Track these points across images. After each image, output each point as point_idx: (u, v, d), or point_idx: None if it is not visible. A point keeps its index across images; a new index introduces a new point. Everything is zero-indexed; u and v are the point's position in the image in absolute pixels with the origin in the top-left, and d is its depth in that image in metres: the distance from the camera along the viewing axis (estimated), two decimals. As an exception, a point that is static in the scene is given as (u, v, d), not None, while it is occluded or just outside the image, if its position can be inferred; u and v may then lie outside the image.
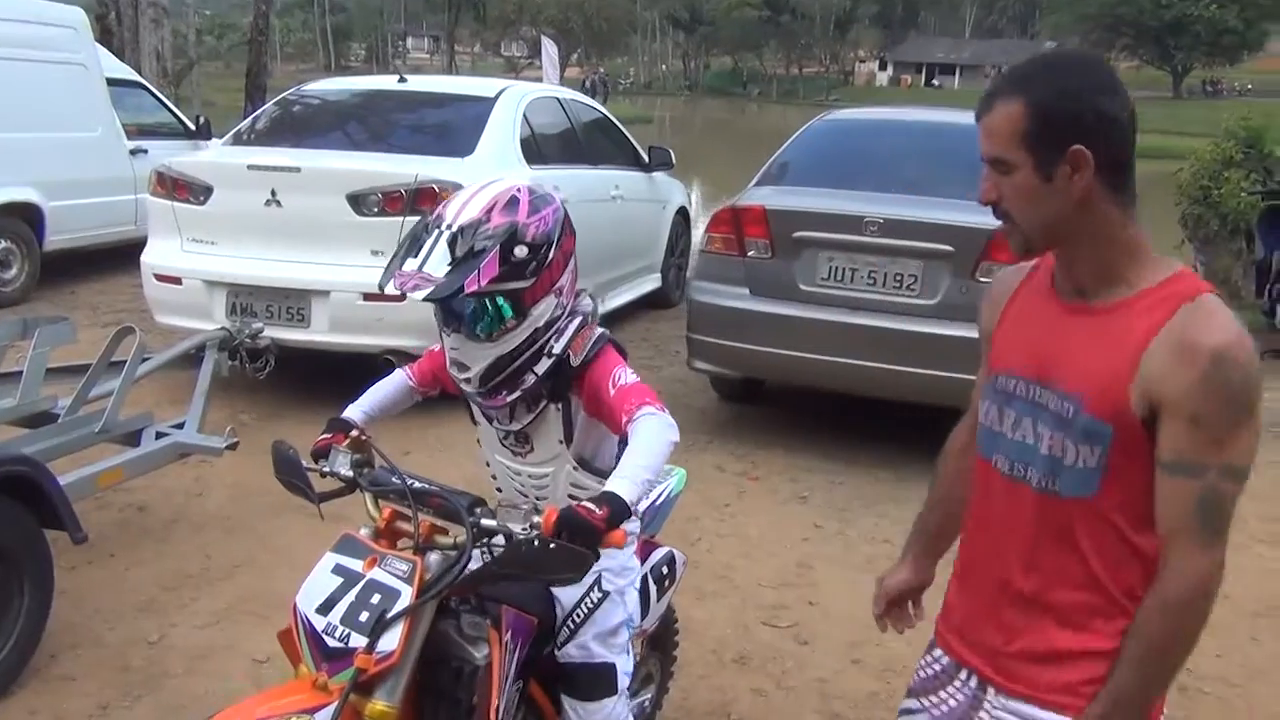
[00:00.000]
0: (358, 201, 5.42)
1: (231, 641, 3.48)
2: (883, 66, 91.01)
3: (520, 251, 1.96)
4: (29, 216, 8.03)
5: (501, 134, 6.17)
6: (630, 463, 1.90)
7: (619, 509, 1.79)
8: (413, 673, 1.89)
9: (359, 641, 1.79)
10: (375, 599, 1.83)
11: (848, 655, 3.62)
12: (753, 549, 4.40)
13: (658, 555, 2.61)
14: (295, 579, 1.98)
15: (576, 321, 2.13)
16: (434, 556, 1.90)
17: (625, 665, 2.33)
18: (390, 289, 1.94)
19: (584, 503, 1.79)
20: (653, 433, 1.94)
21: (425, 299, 1.91)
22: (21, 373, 4.04)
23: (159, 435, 4.06)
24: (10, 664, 3.10)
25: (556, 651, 2.30)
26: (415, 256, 1.94)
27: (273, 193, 5.51)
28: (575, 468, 2.21)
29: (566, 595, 2.25)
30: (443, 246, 1.93)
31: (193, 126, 9.93)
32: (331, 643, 1.82)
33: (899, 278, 5.10)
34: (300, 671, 1.88)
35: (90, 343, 4.19)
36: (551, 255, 2.02)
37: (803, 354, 5.21)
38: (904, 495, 5.00)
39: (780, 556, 4.34)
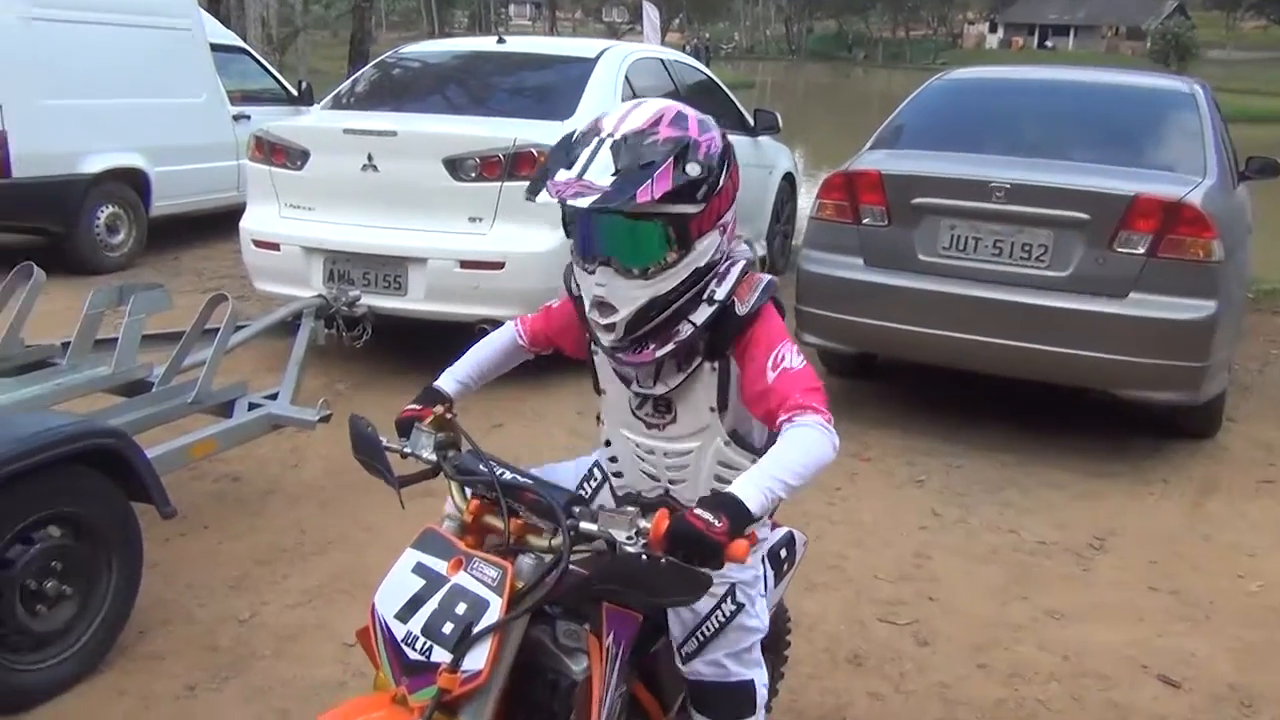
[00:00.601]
0: (455, 166, 5.25)
1: (322, 621, 3.35)
2: (993, 29, 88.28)
3: (693, 169, 1.69)
4: (136, 182, 8.09)
5: (602, 96, 5.93)
6: (769, 468, 1.63)
7: (740, 517, 1.54)
8: (503, 686, 1.68)
9: (442, 656, 1.60)
10: (461, 609, 1.62)
11: (972, 658, 3.34)
12: (866, 537, 4.13)
13: (775, 536, 2.30)
14: (387, 558, 1.79)
15: (740, 265, 1.85)
16: (527, 561, 1.68)
17: (763, 678, 2.09)
18: (543, 199, 1.68)
19: (698, 511, 1.54)
20: (812, 446, 1.67)
21: (590, 207, 1.65)
22: (117, 340, 3.99)
23: (252, 406, 3.95)
24: (98, 641, 3.02)
25: (682, 666, 2.06)
26: (570, 167, 1.67)
27: (369, 157, 5.37)
28: (727, 442, 1.91)
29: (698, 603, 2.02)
30: (605, 154, 1.66)
31: (295, 92, 9.91)
32: (412, 655, 1.62)
33: (1027, 248, 4.73)
34: (379, 679, 1.70)
35: (192, 309, 4.11)
36: (723, 182, 1.76)
37: (922, 329, 4.89)
38: (1028, 482, 4.68)
39: (896, 546, 4.07)
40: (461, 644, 1.58)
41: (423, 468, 1.87)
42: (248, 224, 5.86)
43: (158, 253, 8.42)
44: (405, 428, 1.91)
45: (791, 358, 1.79)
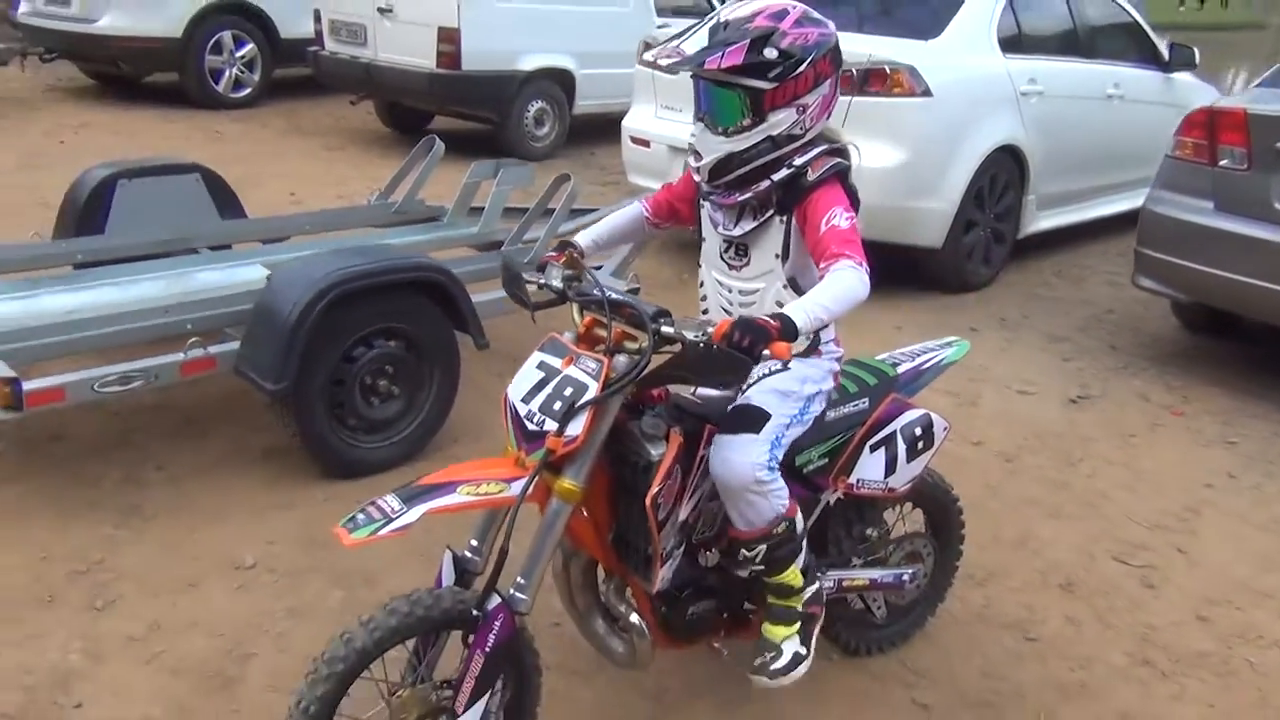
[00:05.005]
0: (807, 79, 5.47)
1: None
2: None
3: (770, 53, 2.07)
4: (563, 82, 9.07)
5: (977, 17, 5.87)
6: (813, 298, 2.03)
7: (788, 325, 1.94)
8: (602, 465, 2.13)
9: (552, 426, 2.04)
10: (568, 391, 2.06)
11: (1195, 609, 3.23)
12: (1139, 482, 4.01)
13: (911, 415, 2.58)
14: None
15: (822, 147, 2.21)
16: (621, 358, 2.08)
17: (782, 421, 2.27)
18: (648, 57, 2.17)
19: (758, 316, 1.96)
20: (845, 283, 2.04)
21: (666, 67, 2.10)
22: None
23: (576, 274, 4.56)
24: (418, 436, 3.77)
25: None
26: (681, 39, 2.13)
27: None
28: (785, 285, 2.27)
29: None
30: (704, 32, 2.11)
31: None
32: (530, 426, 2.07)
33: (1407, 207, 4.20)
34: (507, 449, 2.17)
35: (587, 197, 4.73)
36: (801, 70, 2.11)
37: (1271, 285, 4.52)
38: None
39: (1169, 497, 3.91)
40: (567, 416, 2.03)
41: (553, 297, 2.31)
42: (628, 121, 6.50)
43: (576, 146, 9.40)
44: (543, 267, 2.35)
45: (840, 219, 2.13)
